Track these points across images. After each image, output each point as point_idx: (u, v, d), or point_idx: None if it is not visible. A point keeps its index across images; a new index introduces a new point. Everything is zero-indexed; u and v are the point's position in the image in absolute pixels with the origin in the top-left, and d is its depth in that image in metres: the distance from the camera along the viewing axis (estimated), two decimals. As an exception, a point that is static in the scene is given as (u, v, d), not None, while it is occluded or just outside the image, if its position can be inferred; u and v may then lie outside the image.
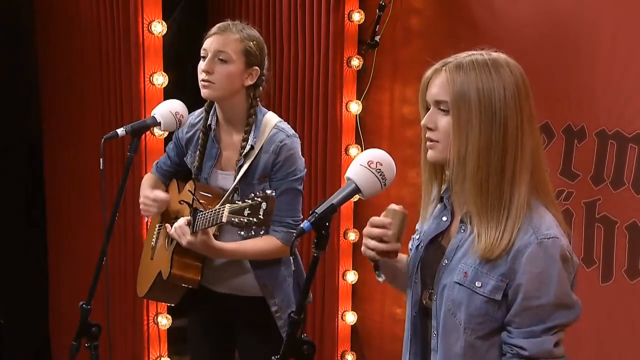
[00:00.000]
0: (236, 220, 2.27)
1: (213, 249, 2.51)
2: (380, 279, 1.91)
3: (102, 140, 2.44)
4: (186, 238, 2.47)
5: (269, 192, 2.26)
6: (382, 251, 1.79)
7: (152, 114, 2.56)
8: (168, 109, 2.56)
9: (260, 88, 2.62)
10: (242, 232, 2.47)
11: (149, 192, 2.70)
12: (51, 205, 4.11)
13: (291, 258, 2.60)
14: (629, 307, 2.81)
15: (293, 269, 2.65)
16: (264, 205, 2.23)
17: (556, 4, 2.97)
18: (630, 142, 2.74)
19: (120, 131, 2.46)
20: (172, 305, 2.80)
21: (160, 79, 3.38)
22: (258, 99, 2.62)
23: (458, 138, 1.69)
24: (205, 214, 2.43)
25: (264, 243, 2.58)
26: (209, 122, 2.66)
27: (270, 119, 2.62)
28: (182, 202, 2.58)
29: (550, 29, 2.98)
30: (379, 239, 1.78)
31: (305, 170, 2.64)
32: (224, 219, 2.31)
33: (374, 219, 1.80)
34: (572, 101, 2.91)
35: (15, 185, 4.05)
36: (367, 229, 1.80)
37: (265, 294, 2.64)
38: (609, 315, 2.86)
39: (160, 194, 2.69)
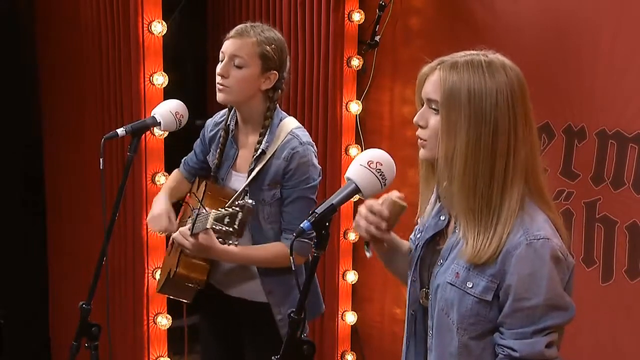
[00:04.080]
0: (217, 227, 2.27)
1: (216, 252, 2.49)
2: (368, 254, 1.92)
3: (102, 140, 2.44)
4: (189, 241, 2.46)
5: (249, 201, 2.24)
6: (372, 235, 1.81)
7: (152, 114, 2.56)
8: (168, 109, 2.55)
9: (279, 91, 2.58)
10: (220, 239, 2.42)
11: (159, 218, 2.65)
12: (51, 205, 4.11)
13: (302, 267, 2.59)
14: (629, 307, 2.81)
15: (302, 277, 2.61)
16: (239, 215, 2.22)
17: (556, 4, 2.97)
18: (630, 142, 2.74)
19: (120, 131, 2.46)
20: (187, 302, 2.75)
21: (160, 79, 3.38)
22: (276, 102, 2.58)
23: (446, 138, 1.67)
24: (201, 217, 2.42)
25: (272, 249, 2.56)
26: (228, 123, 2.65)
27: (288, 124, 2.58)
28: (182, 203, 2.58)
29: (551, 29, 2.98)
30: (372, 224, 1.80)
31: (320, 178, 2.60)
32: (208, 225, 2.31)
33: (374, 206, 1.80)
34: (572, 101, 2.91)
35: (15, 185, 4.05)
36: (365, 212, 1.80)
37: (270, 301, 2.60)
38: (609, 315, 2.85)
39: (171, 226, 2.64)
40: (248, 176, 2.56)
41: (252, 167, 2.56)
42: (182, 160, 2.87)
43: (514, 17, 3.10)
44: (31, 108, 4.06)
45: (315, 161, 2.57)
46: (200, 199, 2.51)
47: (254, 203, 2.26)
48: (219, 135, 2.69)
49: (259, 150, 2.54)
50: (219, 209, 2.30)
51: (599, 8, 2.82)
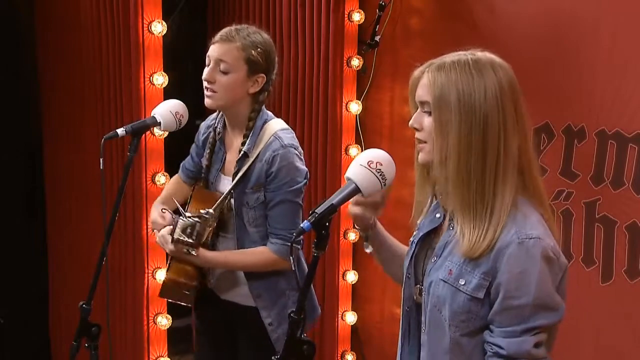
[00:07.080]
0: (180, 238, 2.23)
1: (197, 258, 2.47)
2: (368, 250, 1.95)
3: (102, 140, 2.44)
4: (168, 247, 2.46)
5: (210, 211, 2.21)
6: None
7: (152, 114, 2.56)
8: (168, 109, 2.55)
9: (265, 93, 2.56)
10: (185, 250, 2.40)
11: (153, 214, 2.63)
12: (51, 205, 4.11)
13: (295, 270, 2.57)
14: (629, 307, 2.80)
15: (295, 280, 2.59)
16: (197, 225, 2.19)
17: (556, 3, 2.97)
18: (630, 142, 2.74)
19: (120, 131, 2.46)
20: (188, 305, 2.74)
21: (160, 79, 3.38)
22: (262, 104, 2.56)
23: (440, 139, 1.70)
24: (181, 223, 2.40)
25: (256, 254, 2.54)
26: (216, 126, 2.65)
27: (272, 126, 2.56)
28: (163, 211, 2.54)
29: (550, 29, 2.98)
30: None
31: (306, 181, 2.57)
32: (176, 235, 2.28)
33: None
34: (572, 101, 2.91)
35: (15, 185, 4.05)
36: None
37: (259, 304, 2.59)
38: (609, 315, 2.85)
39: (159, 219, 2.58)
40: (233, 179, 2.54)
41: (236, 169, 2.54)
42: (181, 165, 2.86)
43: (514, 17, 3.10)
44: (31, 108, 4.06)
45: (299, 164, 2.54)
46: (186, 203, 2.48)
47: (211, 212, 2.21)
48: (210, 137, 2.68)
49: (242, 153, 2.53)
50: (188, 218, 2.26)
51: (599, 8, 2.82)
